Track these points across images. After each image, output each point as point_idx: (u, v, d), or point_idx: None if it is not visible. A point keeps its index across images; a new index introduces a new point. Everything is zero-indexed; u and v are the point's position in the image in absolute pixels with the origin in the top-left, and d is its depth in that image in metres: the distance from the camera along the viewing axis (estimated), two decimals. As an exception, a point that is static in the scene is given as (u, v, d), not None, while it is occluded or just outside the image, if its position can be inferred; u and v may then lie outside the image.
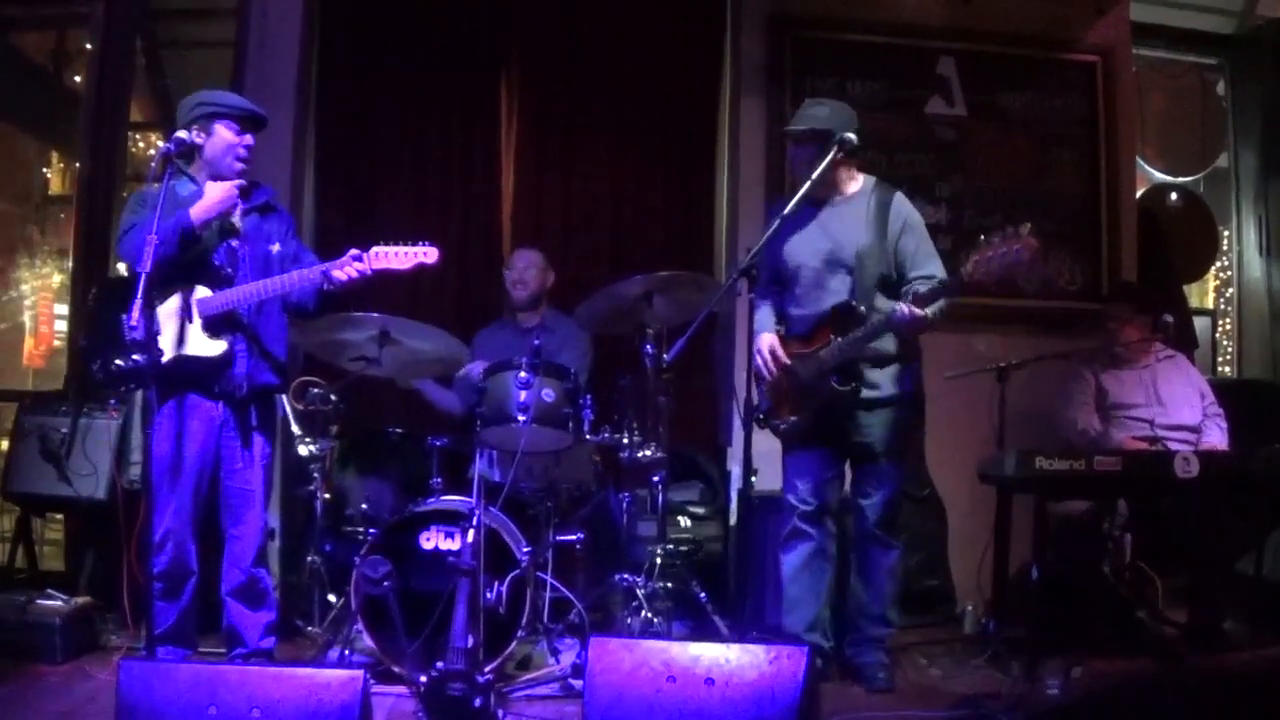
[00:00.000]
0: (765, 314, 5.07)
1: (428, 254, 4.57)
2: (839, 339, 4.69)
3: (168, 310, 4.44)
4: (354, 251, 4.55)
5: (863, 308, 4.71)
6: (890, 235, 4.82)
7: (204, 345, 4.50)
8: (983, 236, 4.46)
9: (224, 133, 4.63)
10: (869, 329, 4.65)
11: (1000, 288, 6.15)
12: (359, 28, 6.83)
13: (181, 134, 4.36)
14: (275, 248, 4.74)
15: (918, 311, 4.50)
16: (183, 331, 4.46)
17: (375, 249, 4.55)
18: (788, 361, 4.87)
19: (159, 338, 4.10)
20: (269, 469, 4.82)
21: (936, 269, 4.81)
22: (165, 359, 4.32)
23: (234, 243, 4.66)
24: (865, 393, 4.76)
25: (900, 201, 4.91)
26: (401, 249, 4.55)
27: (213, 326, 4.52)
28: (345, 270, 4.53)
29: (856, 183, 4.98)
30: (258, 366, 4.67)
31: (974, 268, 4.42)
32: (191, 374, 4.52)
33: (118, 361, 4.03)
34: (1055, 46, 7.23)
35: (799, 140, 4.92)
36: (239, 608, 4.67)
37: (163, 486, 4.46)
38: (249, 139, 4.70)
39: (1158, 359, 6.10)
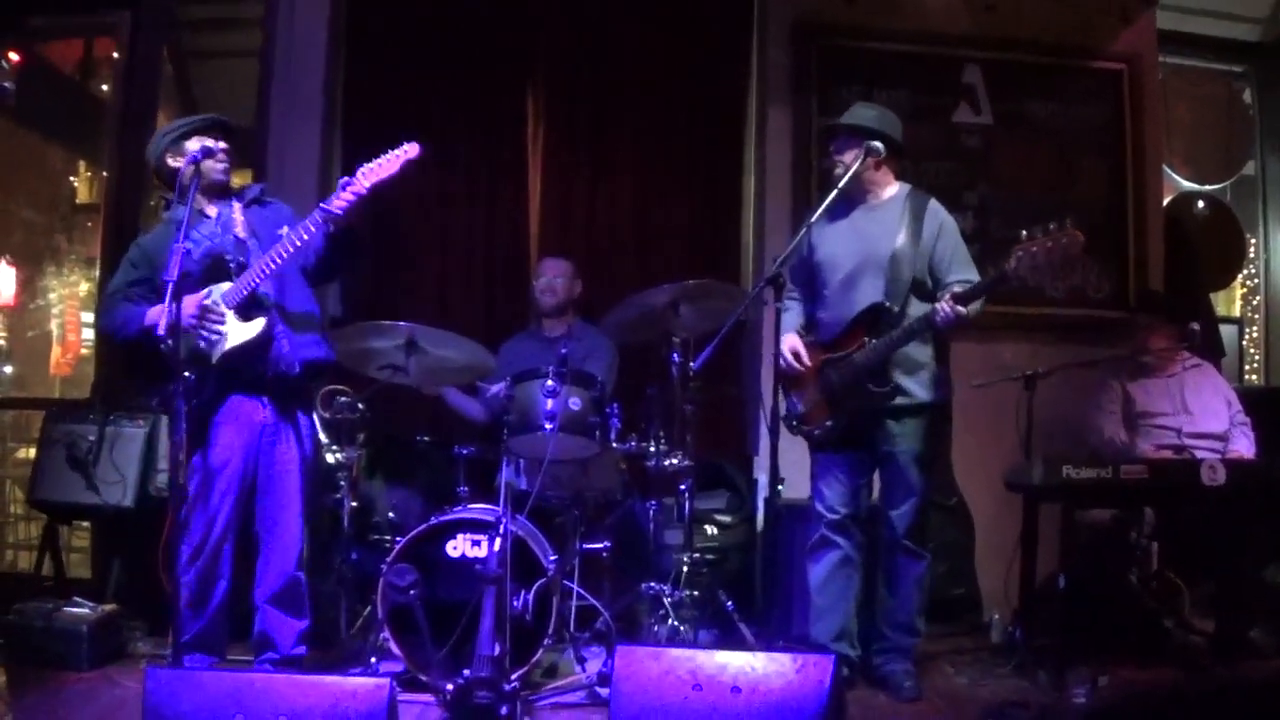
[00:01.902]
0: (791, 317, 5.05)
1: (409, 149, 4.55)
2: (873, 341, 4.70)
3: (198, 318, 4.53)
4: (343, 179, 4.56)
5: (895, 308, 4.71)
6: (926, 238, 4.82)
7: (241, 330, 4.56)
8: (1024, 233, 4.44)
9: (197, 145, 4.62)
10: (906, 329, 4.66)
11: (1027, 294, 6.20)
12: (384, 38, 6.84)
13: (209, 142, 4.53)
14: (284, 230, 4.73)
15: (960, 309, 4.50)
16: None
17: (361, 168, 4.53)
18: (809, 363, 4.88)
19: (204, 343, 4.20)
20: (308, 471, 4.86)
21: (973, 274, 4.80)
22: (215, 360, 4.49)
23: (240, 235, 4.72)
24: (897, 399, 4.76)
25: (936, 206, 4.91)
26: (383, 157, 4.53)
27: (243, 310, 4.58)
28: (341, 198, 4.52)
29: (892, 188, 4.99)
30: (298, 342, 4.73)
31: (1018, 263, 4.41)
32: (241, 368, 4.59)
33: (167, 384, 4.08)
34: (1081, 54, 7.23)
35: (842, 135, 4.93)
36: (277, 614, 4.69)
37: (198, 492, 4.51)
38: (222, 144, 4.74)
39: (1185, 367, 6.06)
